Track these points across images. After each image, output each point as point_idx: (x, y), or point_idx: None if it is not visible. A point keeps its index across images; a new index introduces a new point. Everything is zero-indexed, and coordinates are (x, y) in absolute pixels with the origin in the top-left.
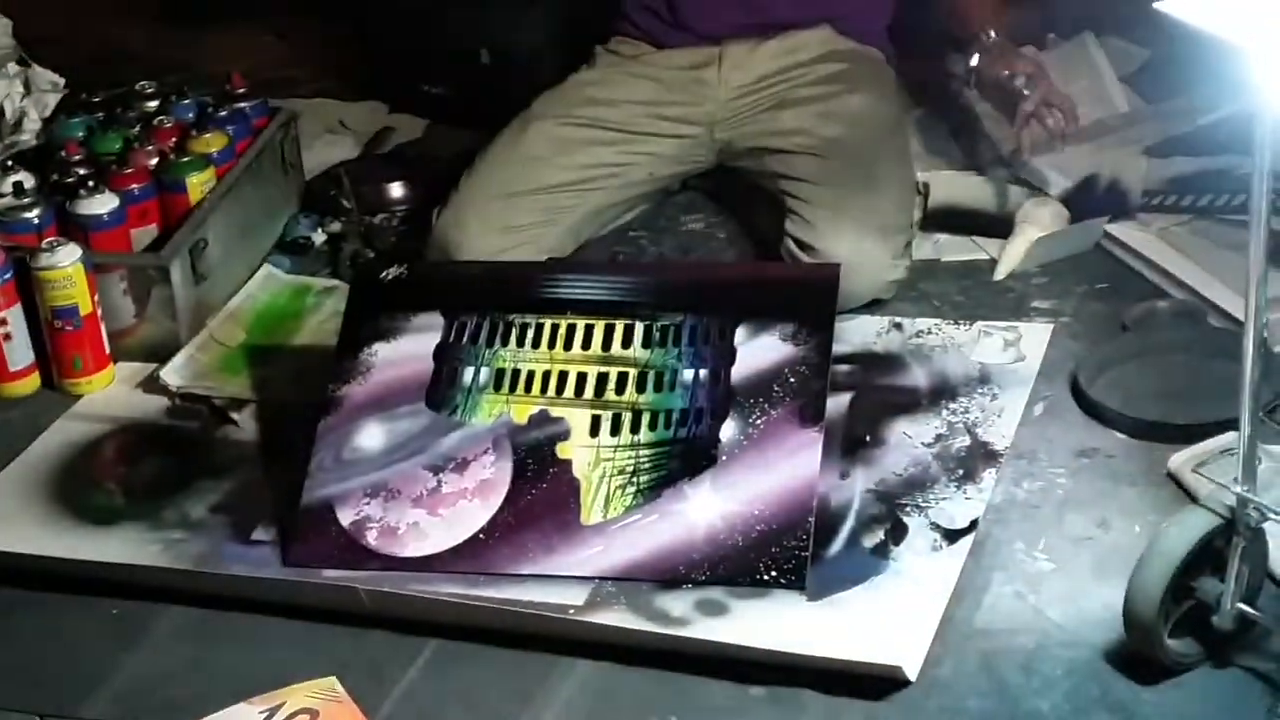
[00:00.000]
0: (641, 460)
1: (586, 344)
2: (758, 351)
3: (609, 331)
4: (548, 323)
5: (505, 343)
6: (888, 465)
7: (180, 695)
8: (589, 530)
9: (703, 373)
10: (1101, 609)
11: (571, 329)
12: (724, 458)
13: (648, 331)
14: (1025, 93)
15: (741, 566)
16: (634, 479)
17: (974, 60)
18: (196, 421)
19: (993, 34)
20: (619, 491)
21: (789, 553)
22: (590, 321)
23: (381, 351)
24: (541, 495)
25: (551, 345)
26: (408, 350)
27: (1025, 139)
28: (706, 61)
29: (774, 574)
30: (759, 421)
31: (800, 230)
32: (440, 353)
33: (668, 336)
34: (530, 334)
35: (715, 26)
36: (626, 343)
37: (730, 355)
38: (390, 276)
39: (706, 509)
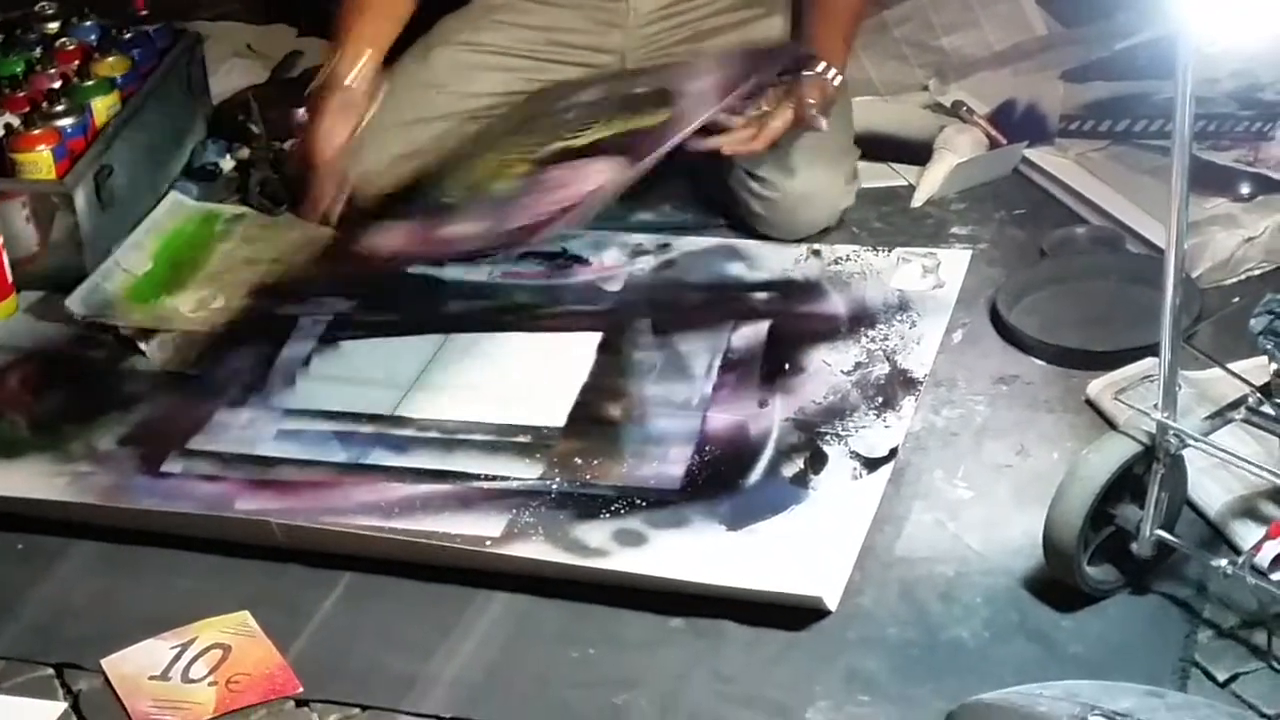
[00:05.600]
0: None
1: None
2: None
3: None
4: None
5: None
6: (807, 393)
7: (89, 631)
8: None
9: None
10: (1021, 536)
11: None
12: None
13: None
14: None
15: None
16: None
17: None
18: (103, 351)
19: (825, 71)
20: None
21: None
22: None
23: None
24: None
25: None
26: None
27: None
28: None
29: None
30: None
31: (751, 164)
32: None
33: None
34: None
35: None
36: None
37: None
38: None
39: None
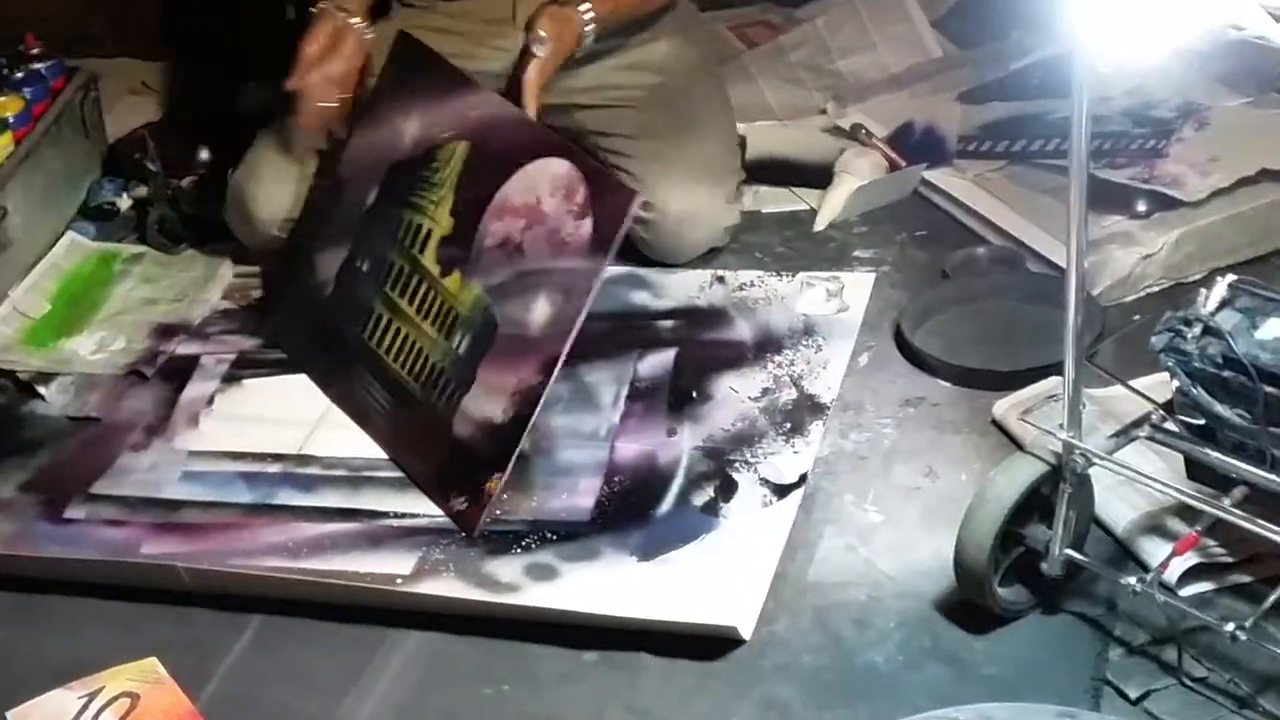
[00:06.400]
0: None
1: None
2: None
3: None
4: None
5: None
6: (715, 421)
7: None
8: None
9: None
10: (931, 559)
11: None
12: None
13: None
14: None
15: None
16: None
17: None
18: (1, 397)
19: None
20: None
21: None
22: None
23: None
24: None
25: None
26: None
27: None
28: (502, 14)
29: None
30: None
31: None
32: None
33: None
34: None
35: None
36: None
37: None
38: None
39: None
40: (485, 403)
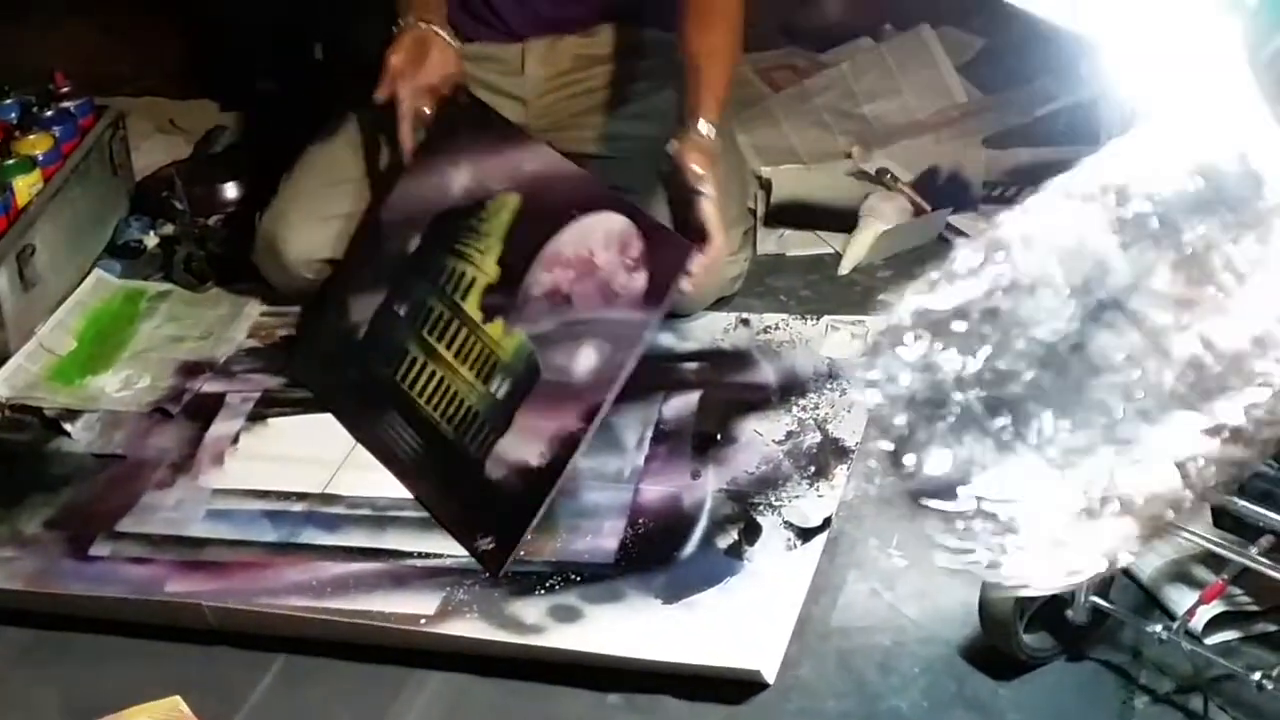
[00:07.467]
0: None
1: None
2: None
3: None
4: None
5: None
6: (739, 464)
7: None
8: None
9: None
10: (956, 605)
11: None
12: None
13: None
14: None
15: None
16: None
17: (670, 147)
18: (27, 433)
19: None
20: None
21: None
22: None
23: None
24: None
25: None
26: None
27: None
28: (512, 56)
29: None
30: None
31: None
32: None
33: None
34: None
35: (516, 24)
36: None
37: None
38: None
39: None
40: (521, 446)
